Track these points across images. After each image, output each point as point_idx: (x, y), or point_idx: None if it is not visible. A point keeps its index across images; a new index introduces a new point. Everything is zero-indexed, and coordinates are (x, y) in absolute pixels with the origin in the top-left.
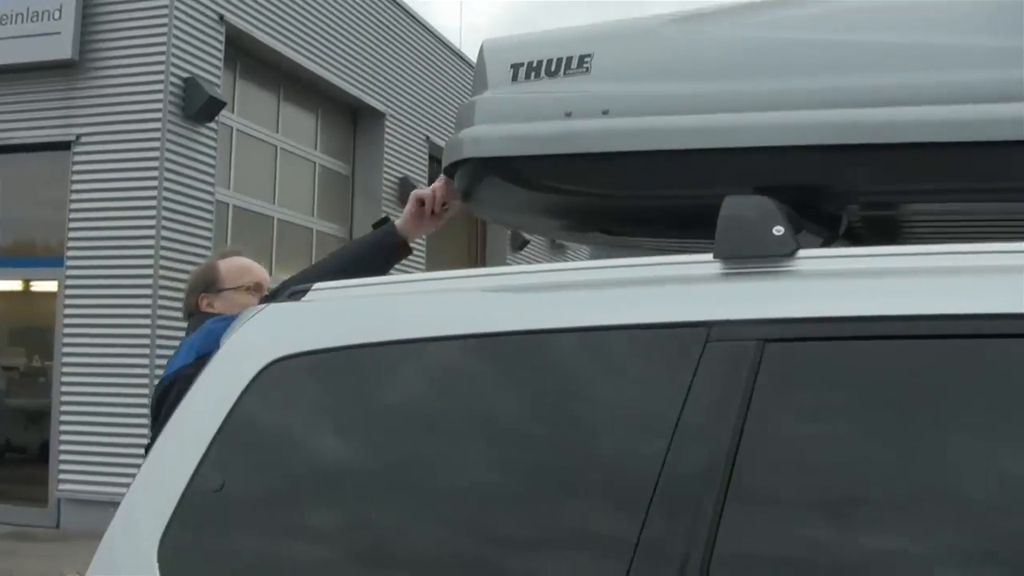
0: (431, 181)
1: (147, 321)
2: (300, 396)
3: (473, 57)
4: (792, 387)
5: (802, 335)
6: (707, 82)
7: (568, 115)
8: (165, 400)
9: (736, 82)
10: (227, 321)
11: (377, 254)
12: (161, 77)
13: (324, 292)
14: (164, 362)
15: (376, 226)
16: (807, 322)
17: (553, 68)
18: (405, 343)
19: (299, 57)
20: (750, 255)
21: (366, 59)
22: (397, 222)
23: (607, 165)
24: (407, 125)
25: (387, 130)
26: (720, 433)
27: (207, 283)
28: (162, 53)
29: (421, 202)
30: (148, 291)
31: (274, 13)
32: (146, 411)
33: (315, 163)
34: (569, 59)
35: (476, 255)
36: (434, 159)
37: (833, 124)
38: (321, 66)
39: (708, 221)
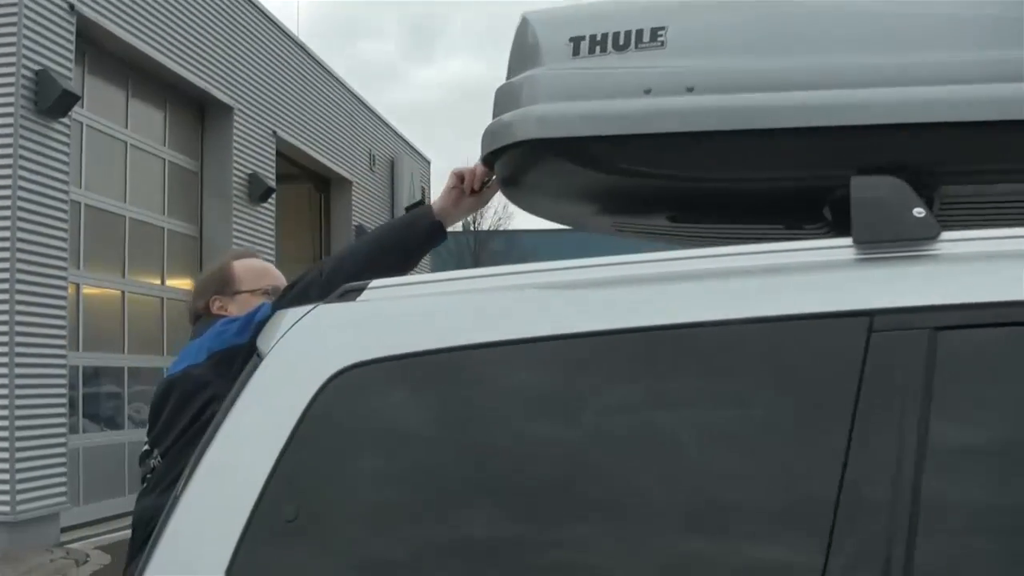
0: (279, 177)
1: (5, 328)
2: (380, 409)
3: (314, 49)
4: (973, 378)
5: (978, 322)
6: (800, 57)
7: (648, 92)
8: (167, 399)
9: (828, 57)
10: (237, 322)
11: (409, 238)
12: (12, 69)
13: (382, 291)
14: (24, 371)
15: (410, 209)
16: (982, 308)
17: (622, 42)
18: (505, 345)
19: (148, 48)
20: (892, 239)
21: (213, 51)
22: (434, 203)
23: (693, 145)
24: (255, 119)
25: (235, 125)
26: (903, 434)
27: (221, 284)
28: (12, 44)
29: (460, 178)
30: (5, 295)
31: (123, 2)
32: (5, 421)
33: (164, 159)
34: (640, 32)
35: (320, 253)
36: (281, 154)
37: (933, 101)
38: (169, 57)
39: (793, 205)
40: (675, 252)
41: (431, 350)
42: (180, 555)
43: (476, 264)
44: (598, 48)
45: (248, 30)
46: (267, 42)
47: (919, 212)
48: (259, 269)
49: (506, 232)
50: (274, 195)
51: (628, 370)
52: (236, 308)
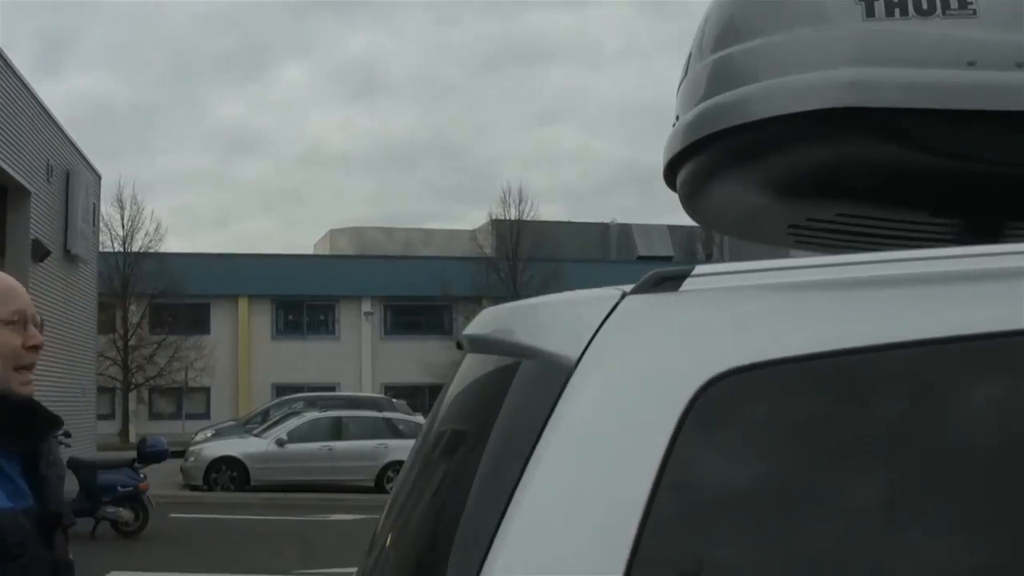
0: None
1: None
2: (777, 426)
3: None
4: None
5: None
6: None
7: (971, 64)
8: None
9: None
10: None
11: None
12: None
13: (710, 280)
14: None
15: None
16: None
17: (925, 7)
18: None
19: None
20: None
21: None
22: None
23: (1017, 126)
24: None
25: None
26: None
27: None
28: None
29: None
30: None
31: None
32: None
33: None
34: None
35: None
36: None
37: None
38: None
39: None
40: None
41: (821, 353)
42: None
43: (126, 286)
44: (897, 11)
45: None
46: None
47: None
48: (2, 291)
49: (156, 254)
50: None
51: None
52: None
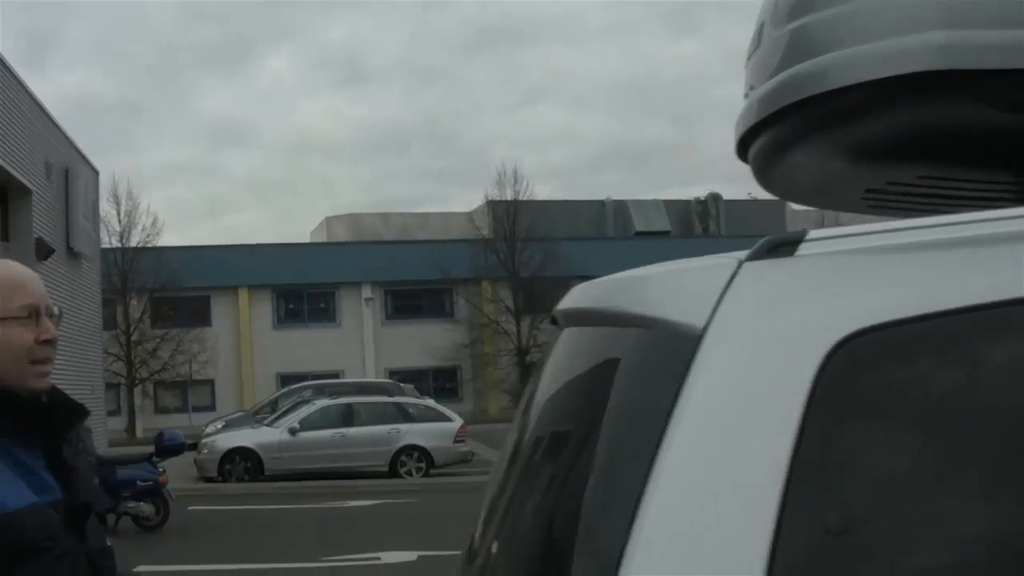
0: None
1: None
2: (909, 385)
3: None
4: None
5: None
6: None
7: None
8: None
9: None
10: None
11: None
12: None
13: (825, 243)
14: None
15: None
16: None
17: None
18: None
19: None
20: None
21: None
22: None
23: None
24: None
25: None
26: None
27: None
28: None
29: None
30: None
31: None
32: None
33: None
34: None
35: None
36: None
37: None
38: None
39: None
40: None
41: (946, 311)
42: None
43: (125, 282)
44: None
45: None
46: None
47: None
48: (10, 281)
49: (154, 249)
50: None
51: None
52: None
